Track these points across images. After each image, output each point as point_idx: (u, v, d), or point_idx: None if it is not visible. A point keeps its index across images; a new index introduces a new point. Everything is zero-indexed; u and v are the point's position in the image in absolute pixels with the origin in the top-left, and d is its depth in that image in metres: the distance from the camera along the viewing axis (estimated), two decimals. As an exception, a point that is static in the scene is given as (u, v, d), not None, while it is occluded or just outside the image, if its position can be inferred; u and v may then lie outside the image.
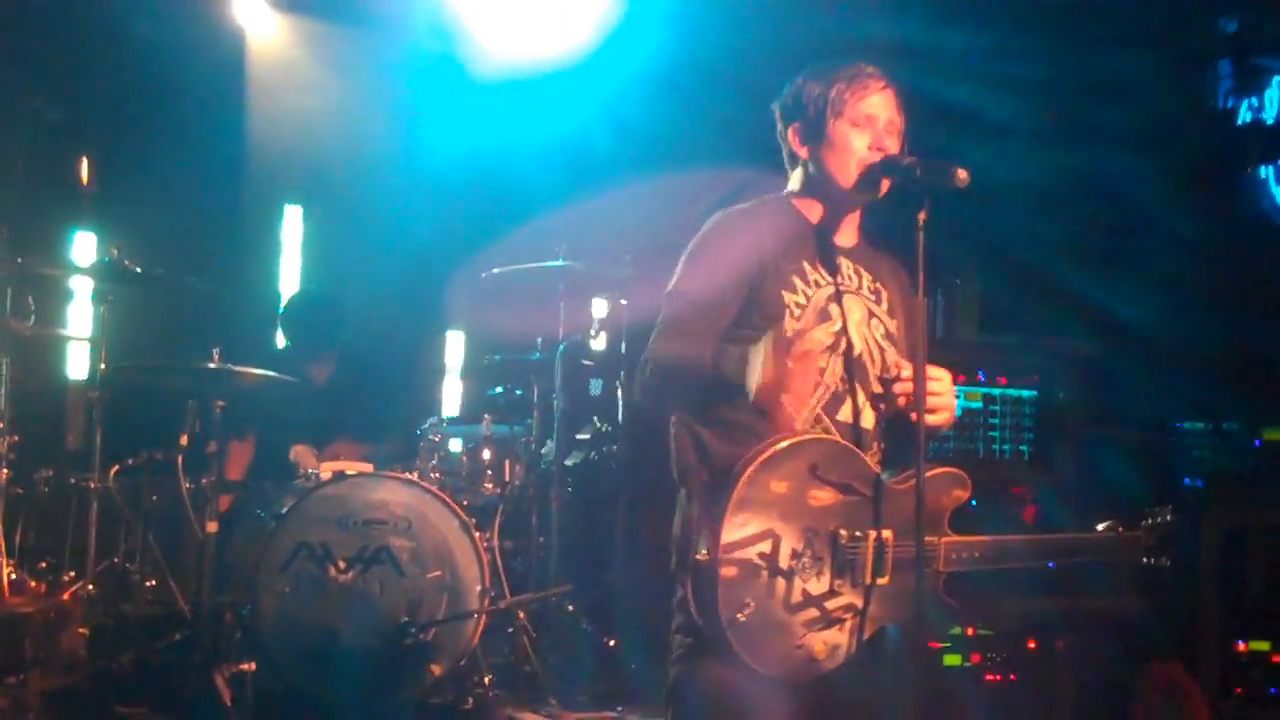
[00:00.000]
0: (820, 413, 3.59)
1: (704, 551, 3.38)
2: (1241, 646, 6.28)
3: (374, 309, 7.63)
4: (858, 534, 3.51)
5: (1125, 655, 5.94)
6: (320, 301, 7.21)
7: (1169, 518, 4.01)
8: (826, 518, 3.48)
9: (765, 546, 3.40)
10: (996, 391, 5.88)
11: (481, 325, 7.91)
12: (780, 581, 3.42)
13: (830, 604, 3.50)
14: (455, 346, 8.17)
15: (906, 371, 3.61)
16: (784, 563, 3.42)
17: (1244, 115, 8.58)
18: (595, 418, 6.78)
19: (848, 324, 3.63)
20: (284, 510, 5.76)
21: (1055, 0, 7.45)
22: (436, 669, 5.82)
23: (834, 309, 3.62)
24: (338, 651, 5.72)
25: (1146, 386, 6.51)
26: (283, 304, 7.48)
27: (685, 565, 3.46)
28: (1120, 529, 3.99)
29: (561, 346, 6.33)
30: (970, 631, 5.73)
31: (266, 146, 7.63)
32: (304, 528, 5.75)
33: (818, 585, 3.48)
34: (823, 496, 3.48)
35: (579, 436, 6.75)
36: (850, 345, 3.62)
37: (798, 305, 3.57)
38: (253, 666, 5.45)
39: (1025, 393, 5.93)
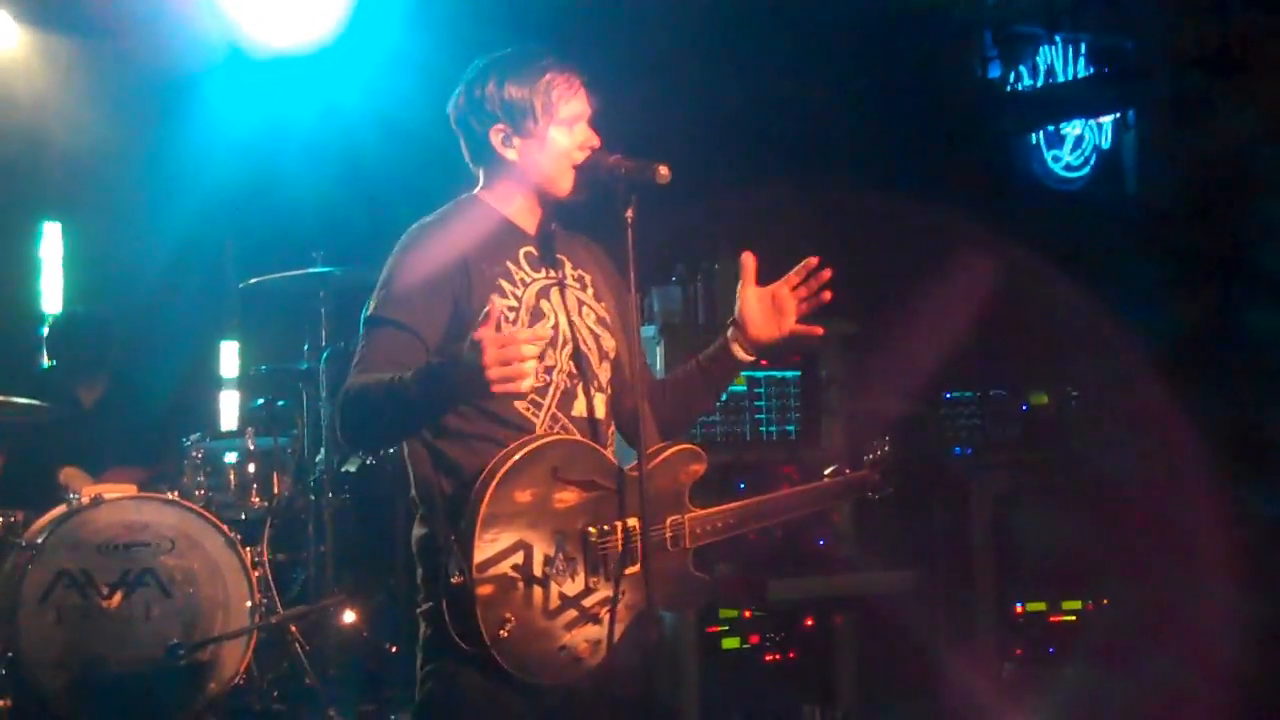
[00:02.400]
0: (556, 412, 3.56)
1: (458, 575, 3.33)
2: (1019, 609, 6.42)
3: (145, 323, 7.43)
4: (605, 528, 3.51)
5: (903, 627, 6.04)
6: (87, 322, 6.99)
7: (888, 449, 4.08)
8: (573, 517, 3.47)
9: (518, 558, 3.37)
10: (760, 374, 5.93)
11: (253, 336, 7.78)
12: (537, 590, 3.39)
13: (587, 601, 3.50)
14: (230, 358, 8.02)
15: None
16: (538, 571, 3.39)
17: (1010, 83, 8.78)
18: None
19: (560, 318, 3.60)
20: (40, 539, 5.60)
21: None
22: (213, 688, 5.71)
23: (546, 305, 3.58)
24: (108, 679, 5.58)
25: (912, 359, 6.59)
26: (47, 325, 7.26)
27: (438, 588, 3.40)
28: (847, 470, 4.04)
29: (325, 353, 6.22)
30: (747, 614, 5.78)
31: (15, 163, 7.37)
32: (62, 555, 5.59)
33: (573, 586, 3.46)
34: (567, 497, 3.46)
35: (355, 442, 6.66)
36: (567, 339, 3.60)
37: (510, 309, 3.50)
38: (8, 703, 5.29)
39: (789, 373, 5.98)
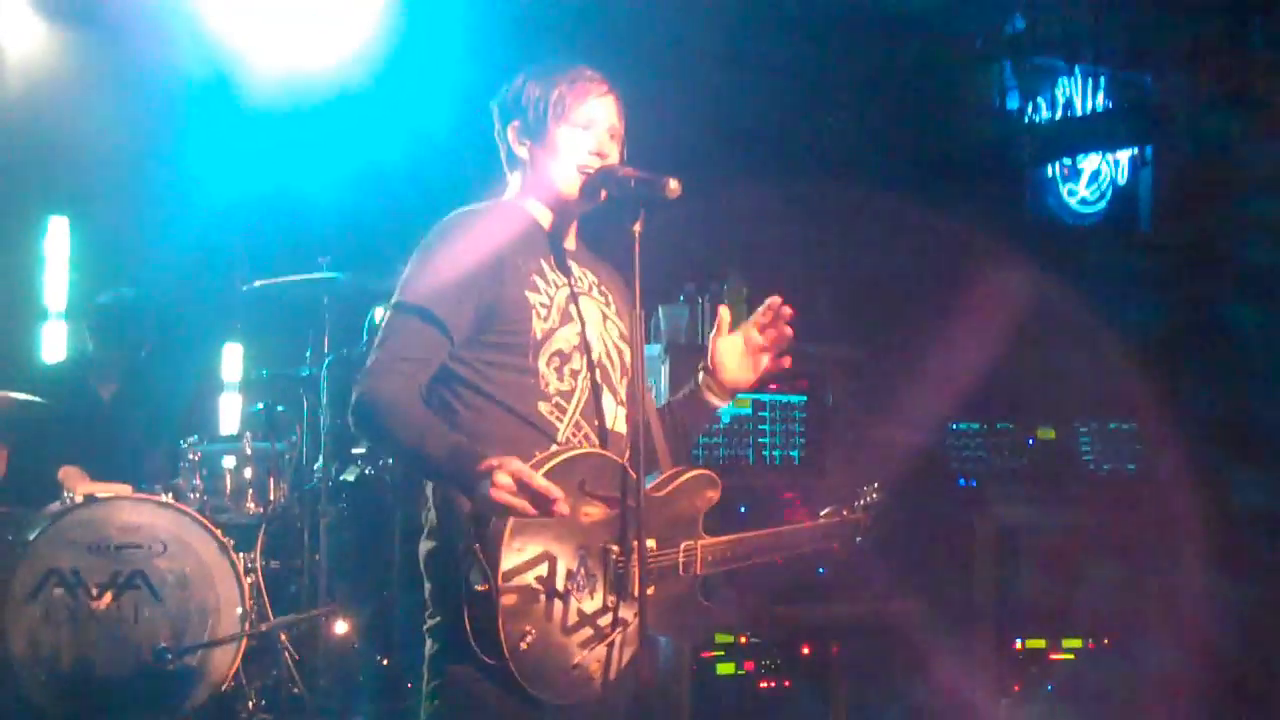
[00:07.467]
0: (580, 419, 3.51)
1: (483, 583, 3.25)
2: (1018, 645, 6.34)
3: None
4: (629, 547, 3.46)
5: (901, 658, 5.97)
6: (134, 305, 6.85)
7: (876, 496, 4.11)
8: (597, 533, 3.41)
9: (542, 570, 3.30)
10: (766, 397, 5.87)
11: (256, 339, 7.71)
12: (558, 604, 3.33)
13: (603, 620, 3.44)
14: (233, 361, 7.94)
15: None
16: (560, 585, 3.33)
17: (1028, 114, 8.72)
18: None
19: (586, 326, 3.56)
20: (31, 536, 5.54)
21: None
22: (200, 694, 5.65)
23: (574, 310, 3.54)
24: (94, 681, 5.51)
25: (919, 390, 6.53)
26: (94, 308, 7.01)
27: (457, 596, 3.32)
28: (844, 511, 4.05)
29: (328, 360, 6.16)
30: (743, 640, 5.72)
31: (23, 156, 7.28)
32: (53, 554, 5.53)
33: (592, 604, 3.40)
34: (593, 512, 3.40)
35: (354, 451, 6.60)
36: (589, 347, 3.56)
37: (542, 305, 3.48)
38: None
39: (795, 398, 5.92)
